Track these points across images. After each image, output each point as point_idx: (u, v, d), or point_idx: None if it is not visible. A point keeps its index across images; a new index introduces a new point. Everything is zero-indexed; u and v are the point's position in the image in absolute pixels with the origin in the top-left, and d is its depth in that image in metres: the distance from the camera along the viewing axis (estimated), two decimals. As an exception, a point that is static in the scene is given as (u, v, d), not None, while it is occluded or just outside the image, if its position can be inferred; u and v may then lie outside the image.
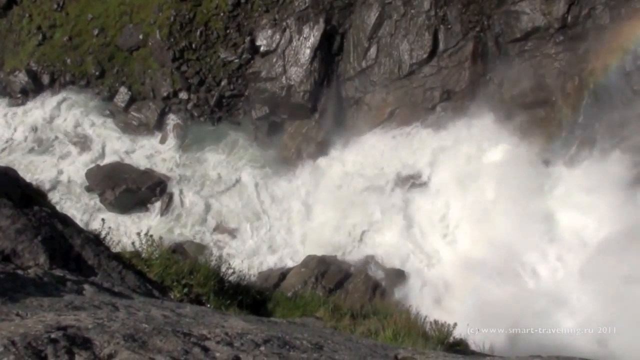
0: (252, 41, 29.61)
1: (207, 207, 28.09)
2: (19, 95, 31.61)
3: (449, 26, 27.69)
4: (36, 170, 29.16)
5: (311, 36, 28.83)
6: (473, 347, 10.27)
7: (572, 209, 24.69)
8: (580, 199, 24.64)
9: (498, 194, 25.55)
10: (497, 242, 24.09)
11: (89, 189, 28.64)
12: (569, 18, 25.75)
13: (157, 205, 28.31)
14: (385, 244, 25.74)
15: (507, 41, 26.91)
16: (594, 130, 25.45)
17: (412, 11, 28.07)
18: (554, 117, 26.04)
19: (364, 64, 28.67)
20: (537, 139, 25.93)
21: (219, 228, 27.51)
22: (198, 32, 29.94)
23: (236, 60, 29.74)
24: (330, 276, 23.80)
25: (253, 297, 10.24)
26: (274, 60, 29.25)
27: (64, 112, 31.02)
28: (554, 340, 19.87)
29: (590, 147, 25.38)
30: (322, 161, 28.57)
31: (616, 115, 25.02)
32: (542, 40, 26.33)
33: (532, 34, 26.40)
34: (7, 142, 30.70)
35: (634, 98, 24.84)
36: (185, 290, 8.63)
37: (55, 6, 32.21)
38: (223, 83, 29.89)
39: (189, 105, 30.13)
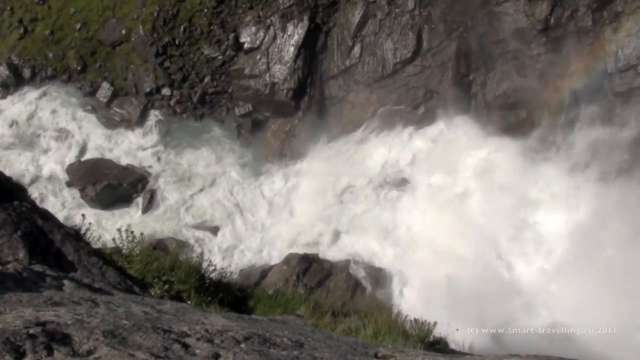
0: (236, 38, 29.54)
1: (189, 204, 27.98)
2: (-1, 89, 31.28)
3: (433, 26, 27.79)
4: (16, 165, 28.85)
5: (295, 34, 28.81)
6: (453, 345, 10.34)
7: (553, 207, 24.92)
8: (561, 197, 24.88)
9: (479, 194, 25.74)
10: (479, 241, 24.25)
11: (69, 184, 28.41)
12: (552, 20, 25.93)
13: (139, 201, 28.15)
14: (367, 243, 25.80)
15: (490, 42, 27.04)
16: (575, 132, 25.70)
17: (397, 10, 28.14)
18: (535, 118, 26.23)
19: (347, 63, 28.71)
20: (518, 139, 26.11)
21: (200, 225, 27.41)
22: (182, 28, 29.79)
23: (220, 57, 29.65)
24: (311, 274, 23.83)
25: (234, 295, 10.23)
26: (258, 57, 29.19)
27: (45, 106, 30.69)
28: (533, 339, 20.05)
29: (570, 148, 25.61)
30: (304, 159, 28.57)
31: (598, 117, 25.28)
32: (524, 41, 26.48)
33: (515, 35, 26.55)
34: (-14, 136, 30.36)
35: (616, 100, 25.11)
36: (166, 286, 8.61)
37: (37, -1, 31.91)
38: (206, 80, 29.78)
39: (172, 102, 29.98)
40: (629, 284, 20.63)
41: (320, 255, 25.10)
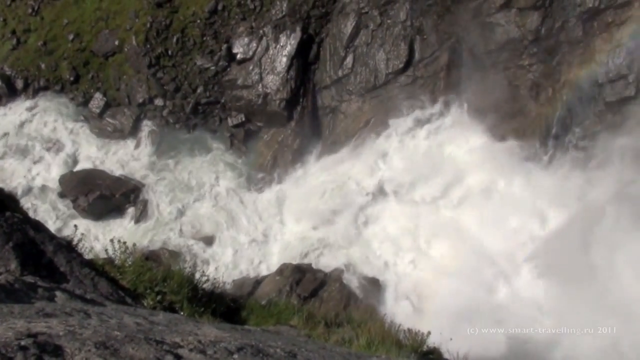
0: (229, 49, 29.58)
1: (182, 214, 27.92)
2: (-9, 100, 31.19)
3: (425, 36, 27.90)
4: (8, 176, 28.76)
5: (288, 44, 28.88)
6: (446, 355, 10.33)
7: (546, 217, 24.98)
8: (554, 208, 24.94)
9: (472, 204, 25.77)
10: (471, 250, 24.26)
11: (62, 195, 28.31)
12: (543, 30, 26.08)
13: (131, 211, 28.08)
14: (361, 253, 25.79)
15: (481, 52, 27.16)
16: (566, 141, 25.81)
17: (389, 21, 28.25)
18: (527, 128, 26.33)
19: (340, 73, 28.78)
20: (510, 149, 26.19)
21: (193, 235, 27.34)
22: (174, 39, 29.82)
23: (212, 68, 29.67)
24: (305, 284, 23.77)
25: (227, 305, 10.20)
26: (251, 68, 29.24)
27: (37, 117, 30.64)
28: (527, 345, 20.06)
29: (563, 157, 25.71)
30: (297, 169, 28.58)
31: (589, 127, 25.39)
32: (516, 52, 26.61)
33: (506, 45, 26.68)
34: (-22, 147, 30.25)
35: (606, 110, 25.24)
36: (159, 297, 8.57)
37: (30, 10, 31.88)
38: (199, 90, 29.78)
39: (165, 112, 29.97)
40: (628, 291, 20.70)
41: (314, 265, 25.07)
